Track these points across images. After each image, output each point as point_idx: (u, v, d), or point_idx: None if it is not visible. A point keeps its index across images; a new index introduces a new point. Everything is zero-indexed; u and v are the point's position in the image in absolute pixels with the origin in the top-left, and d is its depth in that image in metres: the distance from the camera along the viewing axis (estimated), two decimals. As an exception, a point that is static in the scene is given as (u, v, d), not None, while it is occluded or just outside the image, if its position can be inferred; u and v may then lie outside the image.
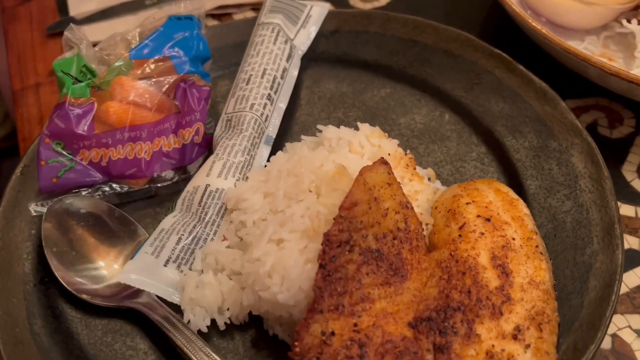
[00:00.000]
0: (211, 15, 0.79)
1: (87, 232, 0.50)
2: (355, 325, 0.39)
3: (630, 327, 0.48)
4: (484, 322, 0.40)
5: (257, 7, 0.80)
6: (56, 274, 0.47)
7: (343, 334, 0.39)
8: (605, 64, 0.56)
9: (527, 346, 0.39)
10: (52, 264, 0.47)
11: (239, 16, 0.79)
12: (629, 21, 0.65)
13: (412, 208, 0.45)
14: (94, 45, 0.58)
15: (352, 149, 0.51)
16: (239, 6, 0.79)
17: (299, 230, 0.45)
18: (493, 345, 0.39)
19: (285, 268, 0.42)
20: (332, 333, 0.39)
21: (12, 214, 0.50)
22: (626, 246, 0.52)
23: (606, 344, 0.46)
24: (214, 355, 0.41)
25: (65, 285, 0.46)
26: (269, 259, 0.43)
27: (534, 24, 0.61)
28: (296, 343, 0.38)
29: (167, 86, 0.54)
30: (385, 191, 0.44)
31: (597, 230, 0.46)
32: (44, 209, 0.50)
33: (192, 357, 0.41)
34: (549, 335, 0.40)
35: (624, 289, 0.50)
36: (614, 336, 0.47)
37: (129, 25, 0.75)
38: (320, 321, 0.39)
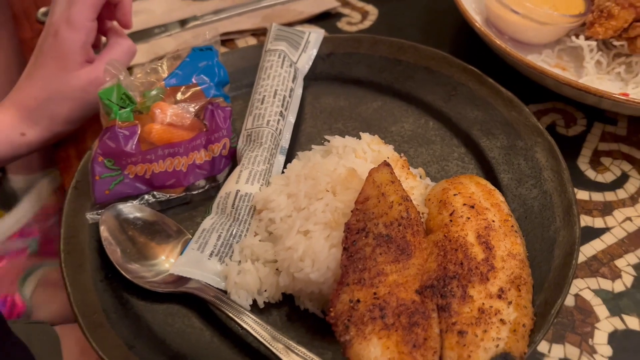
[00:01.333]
0: (215, 41, 0.88)
1: (138, 233, 0.59)
2: (375, 294, 0.49)
3: (589, 287, 0.59)
4: (475, 286, 0.51)
5: (256, 33, 0.89)
6: (118, 268, 0.56)
7: (366, 300, 0.49)
8: (559, 75, 0.67)
9: (510, 303, 0.50)
10: (113, 260, 0.56)
11: (240, 41, 0.88)
12: (577, 37, 0.76)
13: (411, 200, 0.56)
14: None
15: (357, 154, 0.61)
16: (240, 32, 0.89)
17: (322, 222, 0.55)
18: (483, 304, 0.49)
19: (314, 252, 0.52)
20: (358, 300, 0.49)
21: (74, 222, 0.59)
22: (583, 224, 0.63)
23: (570, 301, 0.57)
24: (259, 321, 0.50)
25: (128, 277, 0.55)
26: (300, 247, 0.53)
27: (498, 41, 0.72)
28: (331, 309, 0.48)
29: (197, 109, 0.63)
30: (390, 187, 0.55)
31: (559, 211, 0.57)
32: (99, 217, 0.59)
33: (242, 324, 0.50)
34: (525, 293, 0.51)
35: (582, 258, 0.60)
36: (577, 295, 0.58)
37: (143, 53, 0.84)
38: (347, 292, 0.49)
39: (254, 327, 0.50)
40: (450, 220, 0.55)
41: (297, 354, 0.48)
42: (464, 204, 0.56)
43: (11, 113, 0.68)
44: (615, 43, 0.75)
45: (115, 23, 0.73)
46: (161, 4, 0.94)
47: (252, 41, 0.88)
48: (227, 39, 0.88)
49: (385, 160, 0.56)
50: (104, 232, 0.57)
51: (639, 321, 0.55)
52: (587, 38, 0.75)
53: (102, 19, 0.72)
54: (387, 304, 0.48)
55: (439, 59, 0.73)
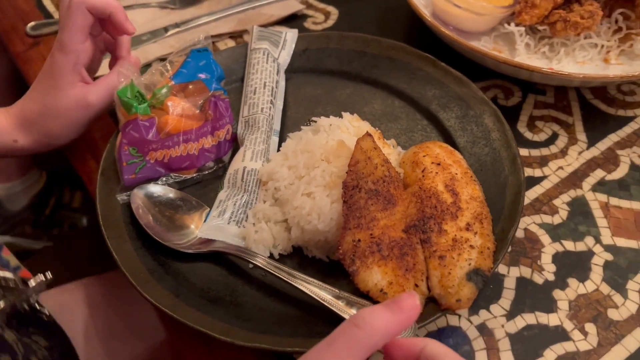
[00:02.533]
0: (196, 44, 0.98)
1: (164, 208, 0.69)
2: (371, 234, 0.62)
3: (534, 222, 0.72)
4: (448, 223, 0.64)
5: (233, 35, 1.00)
6: (153, 236, 0.66)
7: (365, 239, 0.61)
8: (498, 56, 0.81)
9: (475, 233, 0.63)
10: (148, 230, 0.66)
11: (220, 44, 0.99)
12: (509, 24, 0.90)
13: (390, 163, 0.69)
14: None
15: (342, 130, 0.74)
16: (219, 36, 0.99)
17: (321, 185, 0.66)
18: (455, 235, 0.62)
19: (319, 207, 0.64)
20: (359, 240, 0.61)
21: (107, 203, 0.69)
22: (526, 174, 0.76)
23: (521, 234, 0.71)
24: (277, 264, 0.61)
25: (162, 242, 0.65)
26: (307, 205, 0.65)
27: (447, 31, 0.86)
28: (339, 248, 0.60)
29: (203, 101, 0.74)
30: (373, 152, 0.67)
31: (506, 162, 0.70)
32: (128, 198, 0.70)
33: (263, 267, 0.61)
34: (487, 225, 0.64)
35: (527, 201, 0.74)
36: (525, 229, 0.71)
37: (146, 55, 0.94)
38: (350, 234, 0.62)
39: (274, 268, 0.61)
40: (423, 176, 0.68)
41: (313, 285, 0.60)
42: (432, 162, 0.69)
43: (11, 119, 0.75)
44: (540, 28, 0.89)
45: (122, 40, 0.79)
46: (142, 14, 1.04)
47: (230, 43, 0.99)
48: (208, 42, 0.98)
49: (367, 132, 0.69)
50: (136, 208, 0.67)
51: (573, 244, 0.70)
52: (516, 25, 0.89)
53: (115, 38, 0.79)
54: (381, 241, 0.61)
55: (399, 49, 0.86)
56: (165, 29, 0.99)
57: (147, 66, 0.95)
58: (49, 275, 0.69)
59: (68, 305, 0.84)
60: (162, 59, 0.96)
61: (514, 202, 0.66)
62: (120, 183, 0.70)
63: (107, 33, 0.79)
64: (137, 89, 0.72)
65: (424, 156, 0.70)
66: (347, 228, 0.62)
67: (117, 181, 0.71)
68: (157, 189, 0.70)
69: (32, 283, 0.69)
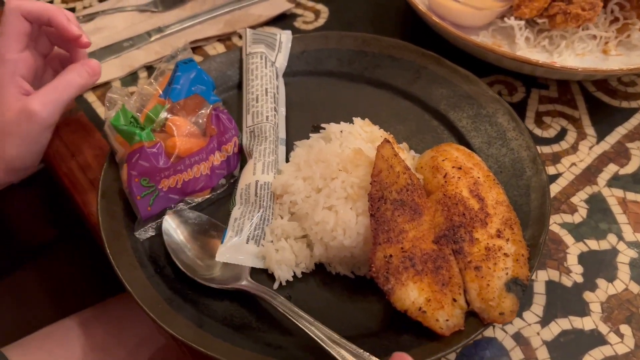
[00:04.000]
0: (183, 49, 0.93)
1: (188, 236, 0.64)
2: (402, 248, 0.59)
3: (555, 222, 0.70)
4: (478, 230, 0.61)
5: (221, 38, 0.95)
6: (181, 268, 0.61)
7: (397, 254, 0.58)
8: (500, 50, 0.79)
9: (507, 240, 0.61)
10: (174, 259, 0.62)
11: (208, 48, 0.94)
12: (507, 18, 0.90)
13: (411, 169, 0.66)
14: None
15: (355, 137, 0.70)
16: (206, 39, 0.94)
17: (343, 197, 0.63)
18: (488, 243, 0.60)
19: (344, 222, 0.61)
20: (390, 255, 0.58)
21: (111, 227, 0.63)
22: None
23: (544, 235, 0.70)
24: (302, 313, 0.55)
25: (187, 274, 0.61)
26: (330, 220, 0.61)
27: (447, 26, 0.84)
28: (372, 266, 0.57)
29: (205, 116, 0.69)
30: (394, 160, 0.64)
31: (527, 163, 0.68)
32: (147, 233, 0.65)
33: (288, 316, 0.56)
34: (518, 231, 0.62)
35: None
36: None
37: (117, 67, 0.88)
38: (381, 250, 0.58)
39: (311, 328, 0.55)
40: (445, 182, 0.65)
41: (336, 344, 0.53)
42: (453, 167, 0.66)
43: None
44: (539, 21, 0.88)
45: (78, 52, 0.72)
46: (122, 19, 0.97)
47: (219, 46, 0.94)
48: (195, 47, 0.93)
49: (385, 138, 0.66)
50: (167, 242, 0.63)
51: (597, 242, 0.69)
52: (516, 18, 0.88)
53: (64, 46, 0.72)
54: (414, 255, 0.58)
55: (400, 47, 0.83)
56: (149, 34, 0.94)
57: (132, 74, 0.89)
58: None
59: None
60: (148, 67, 0.90)
61: (541, 204, 0.64)
62: (137, 219, 0.65)
63: (59, 47, 0.73)
64: (130, 114, 0.66)
65: (443, 160, 0.67)
66: (377, 243, 0.58)
67: (120, 202, 0.66)
68: (190, 214, 0.66)
69: None
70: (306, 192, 0.65)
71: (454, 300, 0.57)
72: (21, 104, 0.66)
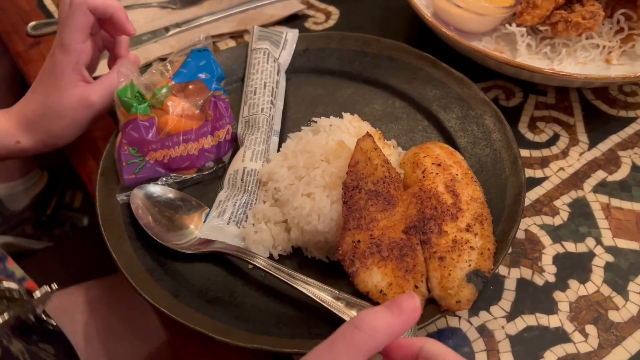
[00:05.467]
0: (196, 44, 0.98)
1: (164, 208, 0.69)
2: (371, 235, 0.62)
3: (535, 223, 0.72)
4: (448, 224, 0.63)
5: (234, 35, 1.00)
6: (151, 234, 0.65)
7: (365, 240, 0.61)
8: (499, 56, 0.81)
9: (476, 234, 0.63)
10: (147, 229, 0.66)
11: (220, 44, 0.99)
12: (510, 24, 0.90)
13: (390, 163, 0.68)
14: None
15: (342, 131, 0.74)
16: (219, 36, 0.99)
17: (321, 185, 0.66)
18: (455, 236, 0.62)
19: (319, 208, 0.64)
20: (359, 241, 0.61)
21: (106, 202, 0.68)
22: (527, 175, 0.75)
23: (521, 235, 0.71)
24: (277, 265, 0.61)
25: (162, 243, 0.65)
26: (307, 205, 0.65)
27: (447, 32, 0.86)
28: (339, 249, 0.60)
29: (203, 101, 0.74)
30: (373, 153, 0.67)
31: (507, 163, 0.70)
32: (128, 198, 0.70)
33: (263, 268, 0.60)
34: (487, 226, 0.64)
35: (528, 202, 0.73)
36: (526, 230, 0.71)
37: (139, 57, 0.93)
38: (350, 235, 0.61)
39: (274, 269, 0.61)
40: (423, 176, 0.67)
41: (313, 287, 0.59)
42: (433, 163, 0.69)
43: (12, 120, 0.75)
44: (541, 28, 0.89)
45: (121, 39, 0.79)
46: (143, 14, 1.03)
47: (231, 43, 0.99)
48: (208, 42, 0.98)
49: (368, 132, 0.69)
50: (136, 208, 0.67)
51: (574, 245, 0.70)
52: (518, 25, 0.89)
53: (114, 37, 0.79)
54: (381, 242, 0.61)
55: (399, 49, 0.86)
56: (166, 29, 0.99)
57: (147, 66, 0.94)
58: (54, 286, 0.69)
59: (68, 308, 0.84)
60: (163, 59, 0.96)
61: (515, 203, 0.66)
62: (120, 183, 0.70)
63: (105, 31, 0.79)
64: (137, 89, 0.72)
65: (424, 157, 0.70)
66: (346, 229, 0.61)
67: (117, 181, 0.71)
68: (156, 189, 0.70)
69: (37, 294, 0.68)
70: (289, 180, 0.69)
71: (416, 287, 0.59)
72: (83, 94, 0.73)
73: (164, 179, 0.72)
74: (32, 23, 1.02)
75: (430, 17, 0.88)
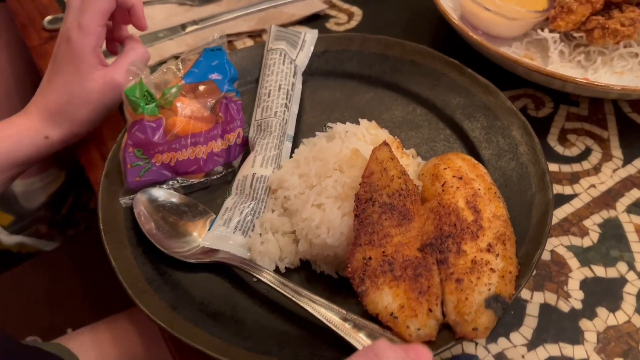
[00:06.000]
0: (215, 42, 0.95)
1: (168, 213, 0.66)
2: (384, 252, 0.58)
3: (562, 244, 0.67)
4: (467, 242, 0.59)
5: (252, 35, 0.97)
6: (153, 241, 0.62)
7: (377, 257, 0.57)
8: (529, 64, 0.76)
9: (497, 255, 0.58)
10: (149, 236, 0.63)
11: (238, 43, 0.96)
12: (542, 30, 0.85)
13: (408, 175, 0.64)
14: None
15: (358, 138, 0.70)
16: (238, 34, 0.96)
17: (333, 196, 0.63)
18: (475, 256, 0.58)
19: (329, 221, 0.60)
20: (370, 258, 0.57)
21: (109, 206, 0.66)
22: (554, 192, 0.71)
23: (547, 256, 0.66)
24: (283, 280, 0.57)
25: (163, 251, 0.62)
26: (316, 217, 0.61)
27: (475, 36, 0.81)
28: (348, 266, 0.56)
29: (213, 102, 0.71)
30: (390, 163, 0.63)
31: (534, 179, 0.65)
32: (131, 201, 0.67)
33: (268, 282, 0.57)
34: (510, 247, 0.59)
35: (555, 220, 0.69)
36: (552, 251, 0.67)
37: (153, 55, 0.91)
38: (360, 251, 0.57)
39: (279, 284, 0.57)
40: (443, 190, 0.63)
41: (320, 305, 0.56)
42: (453, 176, 0.64)
43: (35, 118, 0.73)
44: (575, 35, 0.84)
45: (131, 28, 0.79)
46: (160, 10, 1.01)
47: (249, 42, 0.96)
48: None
49: (384, 141, 0.65)
50: (138, 213, 0.64)
51: (604, 269, 0.65)
52: (550, 31, 0.84)
53: (118, 24, 0.78)
54: (394, 260, 0.57)
55: (423, 53, 0.81)
56: (183, 26, 0.97)
57: (161, 64, 0.92)
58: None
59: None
60: (177, 57, 0.93)
61: (541, 222, 0.61)
62: (124, 186, 0.67)
63: (114, 23, 0.78)
64: (145, 88, 0.69)
65: (444, 169, 0.65)
66: (357, 244, 0.57)
67: (121, 184, 0.68)
68: (161, 193, 0.67)
69: None
70: (300, 189, 0.65)
71: (430, 310, 0.55)
72: (105, 75, 0.72)
73: (170, 182, 0.69)
74: (49, 17, 1.00)
75: (457, 20, 0.84)
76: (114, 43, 0.80)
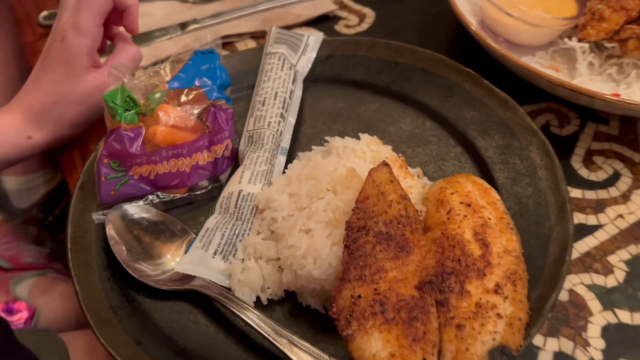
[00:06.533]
0: (215, 43, 0.89)
1: (143, 232, 0.60)
2: (376, 289, 0.51)
3: (582, 283, 0.60)
4: (472, 281, 0.52)
5: (255, 36, 0.91)
6: (124, 265, 0.57)
7: (367, 296, 0.50)
8: (552, 77, 0.69)
9: (506, 297, 0.51)
10: (119, 258, 0.57)
11: (240, 44, 0.90)
12: (570, 38, 0.78)
13: (409, 199, 0.57)
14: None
15: (357, 155, 0.63)
16: (239, 35, 0.90)
17: (323, 221, 0.56)
18: (480, 298, 0.51)
19: (316, 250, 0.54)
20: (359, 296, 0.50)
21: (80, 222, 0.60)
22: (576, 221, 0.65)
23: (564, 296, 0.59)
24: (262, 317, 0.51)
25: (134, 275, 0.56)
26: (302, 245, 0.55)
27: (493, 44, 0.74)
28: (333, 305, 0.50)
29: (200, 111, 0.65)
30: (389, 187, 0.56)
31: (553, 209, 0.58)
32: (105, 217, 0.61)
33: (246, 319, 0.51)
34: (521, 288, 0.52)
35: (576, 255, 0.62)
36: (570, 290, 0.59)
37: (144, 56, 0.86)
38: (349, 288, 0.51)
39: (258, 322, 0.51)
40: (448, 218, 0.56)
41: (300, 348, 0.49)
42: (461, 202, 0.57)
43: (18, 116, 0.69)
44: (607, 45, 0.76)
45: (122, 29, 0.74)
46: (161, 7, 0.95)
47: (251, 44, 0.89)
48: (226, 42, 0.89)
49: (384, 160, 0.58)
50: (110, 231, 0.59)
51: (630, 315, 0.57)
52: (579, 40, 0.77)
53: (109, 24, 0.73)
54: (387, 299, 0.50)
55: (436, 61, 0.74)
56: (183, 25, 0.91)
57: (154, 65, 0.86)
58: None
59: None
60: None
61: (559, 261, 0.54)
62: (98, 200, 0.61)
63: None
64: (127, 93, 0.63)
65: (452, 193, 0.58)
66: (345, 279, 0.51)
67: (95, 196, 0.63)
68: (137, 209, 0.61)
69: None
70: (289, 210, 0.59)
71: (424, 360, 0.48)
72: (97, 78, 0.69)
73: (149, 197, 0.63)
74: (44, 12, 0.96)
75: (475, 27, 0.76)
76: (104, 41, 0.75)
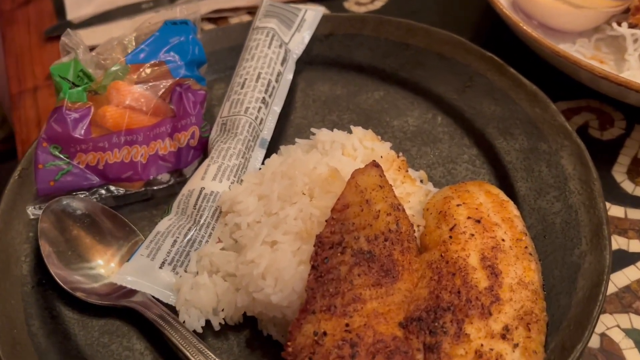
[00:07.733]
0: (207, 19, 0.79)
1: (83, 232, 0.51)
2: (347, 325, 0.40)
3: (618, 326, 0.48)
4: (473, 322, 0.41)
5: (252, 11, 0.81)
6: (52, 272, 0.48)
7: (335, 334, 0.39)
8: (596, 68, 0.57)
9: (516, 345, 0.40)
10: (48, 263, 0.48)
11: (234, 20, 0.80)
12: (619, 24, 0.66)
13: (404, 210, 0.46)
14: (91, 49, 0.59)
15: (345, 151, 0.52)
16: (234, 10, 0.80)
17: (292, 232, 0.46)
18: (482, 345, 0.40)
19: (278, 270, 0.43)
20: (324, 333, 0.39)
21: (9, 216, 0.51)
22: (615, 247, 0.53)
23: (595, 343, 0.47)
24: (208, 352, 0.42)
25: (61, 284, 0.47)
26: (262, 261, 0.44)
27: (525, 27, 0.62)
28: (289, 343, 0.39)
29: (162, 90, 0.55)
30: (376, 193, 0.45)
31: (586, 231, 0.47)
32: (40, 212, 0.51)
33: (187, 354, 0.42)
34: (537, 334, 0.41)
35: (612, 289, 0.50)
36: (603, 335, 0.48)
37: (126, 30, 0.76)
38: (312, 321, 0.40)
39: (196, 354, 0.41)
40: (450, 237, 0.46)
41: None
42: (469, 217, 0.47)
43: None
44: (665, 33, 0.64)
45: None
46: (152, -24, 0.86)
47: (247, 19, 0.79)
48: (220, 17, 0.80)
49: (373, 160, 0.46)
50: (42, 229, 0.49)
51: (679, 371, 0.45)
52: (630, 26, 0.66)
53: None
54: (360, 340, 0.39)
55: (454, 44, 0.64)
56: (172, -3, 0.81)
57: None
58: None
59: None
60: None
61: (589, 299, 0.43)
62: (34, 191, 0.52)
63: None
64: (80, 67, 0.54)
65: (458, 205, 0.48)
66: (308, 310, 0.40)
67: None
68: (80, 204, 0.52)
69: None
70: (256, 215, 0.48)
71: None
72: None
73: (99, 191, 0.53)
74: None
75: (506, 8, 0.65)
76: None
